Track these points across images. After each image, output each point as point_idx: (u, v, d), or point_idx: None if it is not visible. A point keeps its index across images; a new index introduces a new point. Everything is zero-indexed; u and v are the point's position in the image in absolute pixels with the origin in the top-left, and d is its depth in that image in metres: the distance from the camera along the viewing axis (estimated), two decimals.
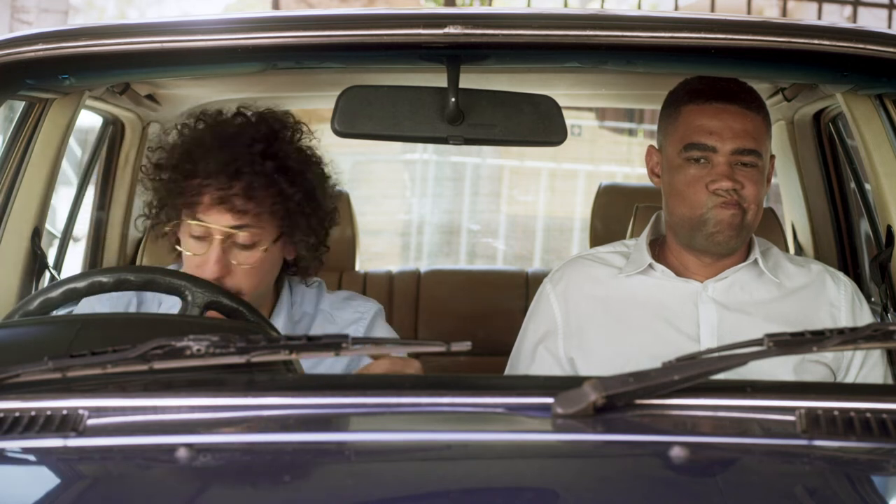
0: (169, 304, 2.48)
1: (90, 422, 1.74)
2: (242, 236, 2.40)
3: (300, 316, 2.58)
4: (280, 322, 2.53)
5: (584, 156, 11.57)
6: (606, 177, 11.00)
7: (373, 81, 2.66)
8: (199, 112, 2.52)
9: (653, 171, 2.68)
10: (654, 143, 2.71)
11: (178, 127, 2.52)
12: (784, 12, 9.85)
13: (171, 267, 2.61)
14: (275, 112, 2.52)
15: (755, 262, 2.65)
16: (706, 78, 2.61)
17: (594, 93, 3.77)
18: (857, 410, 1.78)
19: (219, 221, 2.39)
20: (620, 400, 1.75)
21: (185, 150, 2.46)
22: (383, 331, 2.59)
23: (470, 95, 2.37)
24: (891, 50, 2.21)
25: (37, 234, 2.93)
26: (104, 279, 2.24)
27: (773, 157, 2.66)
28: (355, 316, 2.58)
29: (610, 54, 2.36)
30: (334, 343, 1.84)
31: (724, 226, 2.56)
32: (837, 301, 2.65)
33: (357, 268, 4.12)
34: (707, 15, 2.94)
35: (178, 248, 2.48)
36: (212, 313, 2.24)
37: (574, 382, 1.77)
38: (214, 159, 2.40)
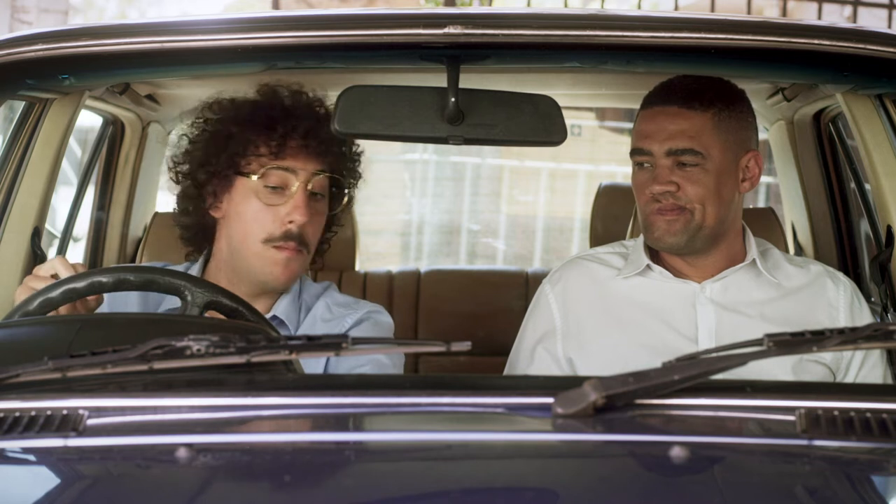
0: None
1: (90, 422, 1.74)
2: (320, 183, 2.52)
3: (301, 303, 2.60)
4: (283, 305, 2.56)
5: (584, 156, 11.57)
6: (606, 177, 10.99)
7: (373, 81, 2.65)
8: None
9: None
10: None
11: (219, 100, 2.61)
12: (784, 12, 9.84)
13: (179, 267, 2.62)
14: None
15: (753, 262, 2.65)
16: (669, 80, 2.64)
17: (594, 93, 3.77)
18: (857, 410, 1.78)
19: (305, 165, 2.50)
20: (620, 400, 1.75)
21: (253, 106, 2.55)
22: (370, 327, 2.59)
23: (470, 95, 2.37)
24: (891, 50, 2.21)
25: (37, 234, 2.93)
26: (104, 279, 2.24)
27: (752, 151, 2.63)
28: (349, 311, 2.59)
29: (610, 54, 2.36)
30: (334, 343, 1.84)
31: (663, 231, 2.58)
32: (836, 302, 2.64)
33: (357, 268, 4.12)
34: (707, 15, 2.93)
35: (215, 209, 2.54)
36: (212, 313, 2.24)
37: (574, 382, 1.77)
38: (304, 114, 2.52)
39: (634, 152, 2.61)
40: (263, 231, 2.48)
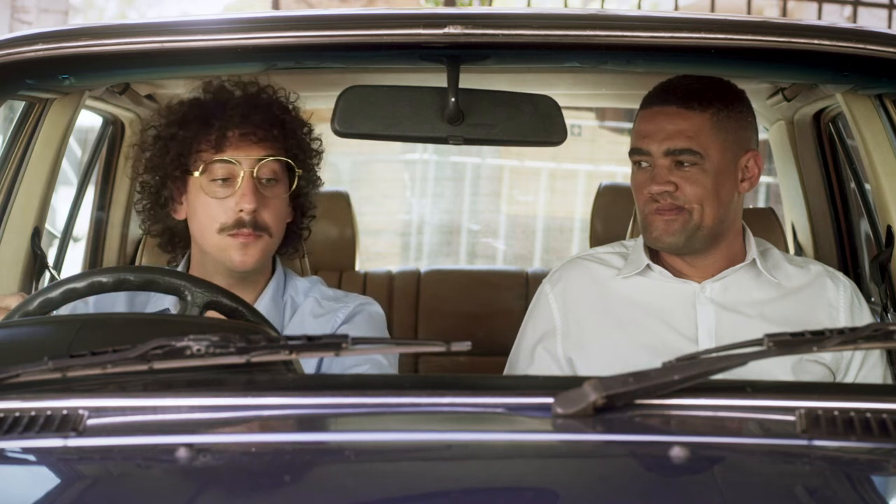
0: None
1: (90, 422, 1.74)
2: (268, 168, 2.52)
3: (287, 299, 2.62)
4: (265, 300, 2.57)
5: (584, 156, 11.56)
6: (606, 177, 10.98)
7: (373, 81, 2.65)
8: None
9: None
10: None
11: (169, 103, 2.64)
12: (784, 12, 9.83)
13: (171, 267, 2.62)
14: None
15: (753, 262, 2.65)
16: (668, 80, 2.63)
17: (594, 93, 3.77)
18: (857, 410, 1.78)
19: (248, 154, 2.51)
20: (620, 400, 1.75)
21: (194, 106, 2.57)
22: (364, 321, 2.59)
23: (470, 95, 2.37)
24: (891, 50, 2.21)
25: (37, 234, 2.93)
26: (104, 279, 2.24)
27: (751, 151, 2.63)
28: (340, 305, 2.60)
29: (610, 54, 2.36)
30: (334, 343, 1.84)
31: (661, 231, 2.58)
32: (836, 302, 2.64)
33: (357, 268, 4.12)
34: (707, 15, 2.93)
35: (177, 212, 2.57)
36: (211, 313, 2.24)
37: (574, 382, 1.77)
38: (237, 105, 2.53)
39: (633, 152, 2.61)
40: (217, 222, 2.51)
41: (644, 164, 2.60)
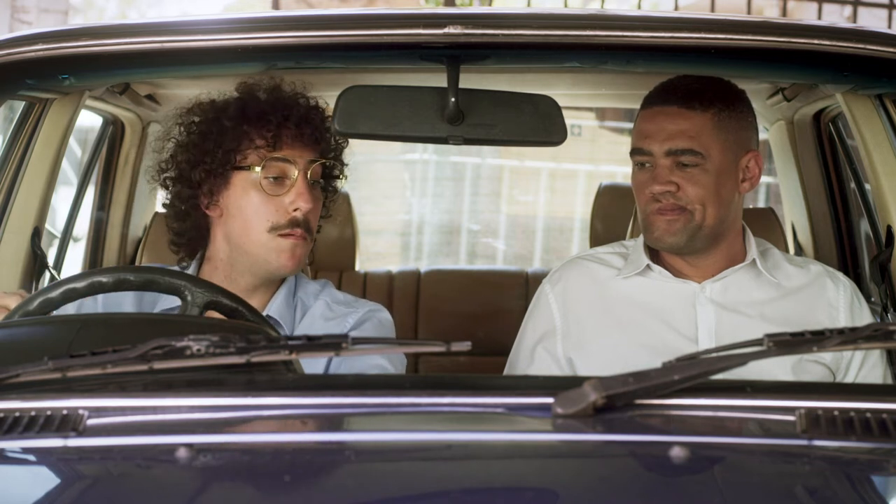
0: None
1: (90, 422, 1.74)
2: (317, 170, 2.55)
3: (297, 302, 2.61)
4: (277, 302, 2.56)
5: (584, 156, 11.57)
6: (606, 177, 10.99)
7: (373, 81, 2.66)
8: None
9: None
10: None
11: (205, 99, 2.62)
12: (784, 12, 9.84)
13: (176, 267, 2.62)
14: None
15: (753, 262, 2.65)
16: (669, 80, 2.63)
17: (594, 93, 3.77)
18: (857, 410, 1.78)
19: (303, 154, 2.53)
20: (620, 400, 1.75)
21: (248, 101, 2.57)
22: (374, 328, 2.59)
23: (470, 95, 2.37)
24: (891, 50, 2.21)
25: (37, 234, 2.93)
26: (104, 279, 2.24)
27: (752, 151, 2.63)
28: (350, 310, 2.59)
29: (610, 54, 2.36)
30: (334, 343, 1.84)
31: (662, 231, 2.57)
32: (836, 302, 2.64)
33: (357, 268, 4.12)
34: (707, 15, 2.93)
35: (210, 208, 2.55)
36: (211, 313, 2.24)
37: (574, 382, 1.77)
38: (295, 105, 2.56)
39: (634, 152, 2.61)
40: (268, 221, 2.49)
41: (646, 165, 2.60)
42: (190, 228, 2.61)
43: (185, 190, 2.57)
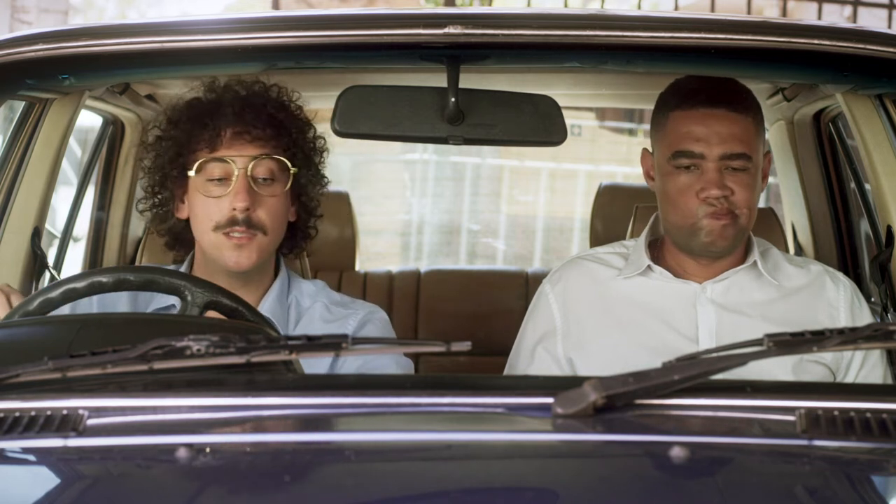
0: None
1: (90, 422, 1.74)
2: (263, 167, 2.53)
3: (292, 301, 2.62)
4: (269, 301, 2.57)
5: (584, 156, 11.56)
6: (606, 177, 10.99)
7: (373, 81, 2.66)
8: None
9: (647, 173, 2.68)
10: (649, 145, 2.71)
11: (171, 104, 2.65)
12: (784, 12, 9.84)
13: (172, 267, 2.62)
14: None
15: (754, 263, 2.64)
16: (694, 79, 2.59)
17: (594, 93, 3.77)
18: (857, 410, 1.78)
19: (241, 152, 2.52)
20: (620, 400, 1.75)
21: (190, 106, 2.59)
22: (376, 330, 2.59)
23: (470, 95, 2.37)
24: (891, 50, 2.21)
25: (37, 234, 2.93)
26: (104, 279, 2.24)
27: (768, 153, 2.64)
28: (349, 312, 2.59)
29: (610, 54, 2.36)
30: (334, 343, 1.84)
31: (715, 235, 2.54)
32: (836, 302, 2.64)
33: (357, 268, 4.12)
34: (707, 15, 2.94)
35: (179, 211, 2.58)
36: (212, 313, 2.24)
37: (574, 382, 1.77)
38: (230, 104, 2.55)
39: (680, 154, 2.54)
40: (211, 220, 2.52)
41: (692, 168, 2.54)
42: (168, 231, 2.66)
43: (151, 195, 2.63)
